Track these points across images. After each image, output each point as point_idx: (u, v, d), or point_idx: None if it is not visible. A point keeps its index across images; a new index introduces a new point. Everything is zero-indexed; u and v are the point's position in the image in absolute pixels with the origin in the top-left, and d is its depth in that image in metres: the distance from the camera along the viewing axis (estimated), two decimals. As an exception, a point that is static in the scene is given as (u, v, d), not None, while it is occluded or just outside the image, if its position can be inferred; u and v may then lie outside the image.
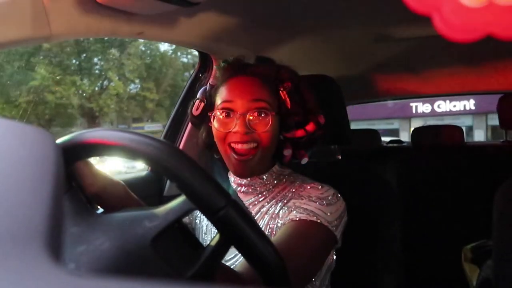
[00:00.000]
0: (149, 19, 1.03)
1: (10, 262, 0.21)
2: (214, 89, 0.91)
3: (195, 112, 0.91)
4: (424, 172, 2.12)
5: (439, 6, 0.23)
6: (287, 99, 0.85)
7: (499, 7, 0.21)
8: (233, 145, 0.84)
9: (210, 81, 1.39)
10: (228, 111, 0.84)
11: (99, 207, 0.58)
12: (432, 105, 12.60)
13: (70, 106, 10.35)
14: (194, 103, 0.93)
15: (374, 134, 2.61)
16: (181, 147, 1.41)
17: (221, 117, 0.85)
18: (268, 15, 1.29)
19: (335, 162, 1.24)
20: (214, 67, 1.40)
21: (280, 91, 0.86)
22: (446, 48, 1.67)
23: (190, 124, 1.41)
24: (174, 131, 1.45)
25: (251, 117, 0.83)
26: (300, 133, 0.87)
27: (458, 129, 2.26)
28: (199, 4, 0.96)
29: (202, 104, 0.91)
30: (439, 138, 2.18)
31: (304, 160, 0.91)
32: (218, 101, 0.86)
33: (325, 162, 1.20)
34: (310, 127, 0.87)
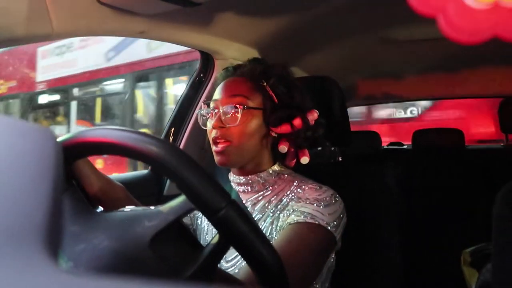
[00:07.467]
0: (151, 19, 1.03)
1: (8, 260, 0.21)
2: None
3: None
4: (424, 175, 2.12)
5: (444, 7, 0.23)
6: (272, 94, 0.87)
7: (505, 8, 0.21)
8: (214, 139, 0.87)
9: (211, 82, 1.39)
10: (209, 109, 0.89)
11: (99, 206, 0.58)
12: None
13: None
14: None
15: (375, 136, 2.60)
16: (181, 146, 1.41)
17: (203, 114, 0.91)
18: (271, 15, 1.29)
19: (336, 164, 1.24)
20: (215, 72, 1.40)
21: (266, 87, 0.88)
22: (448, 51, 1.67)
23: (190, 124, 1.41)
24: (174, 130, 1.45)
25: (224, 112, 0.85)
26: (286, 128, 0.86)
27: (458, 132, 2.25)
28: (201, 5, 0.96)
29: None
30: (439, 141, 2.17)
31: (305, 159, 0.89)
32: None
33: (326, 163, 1.20)
34: (297, 122, 0.86)
